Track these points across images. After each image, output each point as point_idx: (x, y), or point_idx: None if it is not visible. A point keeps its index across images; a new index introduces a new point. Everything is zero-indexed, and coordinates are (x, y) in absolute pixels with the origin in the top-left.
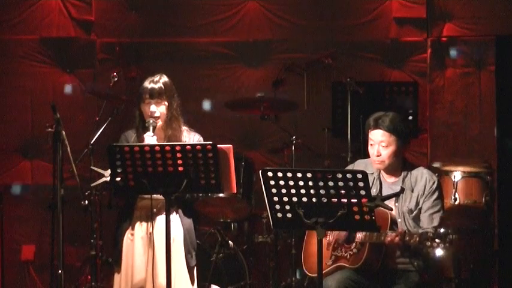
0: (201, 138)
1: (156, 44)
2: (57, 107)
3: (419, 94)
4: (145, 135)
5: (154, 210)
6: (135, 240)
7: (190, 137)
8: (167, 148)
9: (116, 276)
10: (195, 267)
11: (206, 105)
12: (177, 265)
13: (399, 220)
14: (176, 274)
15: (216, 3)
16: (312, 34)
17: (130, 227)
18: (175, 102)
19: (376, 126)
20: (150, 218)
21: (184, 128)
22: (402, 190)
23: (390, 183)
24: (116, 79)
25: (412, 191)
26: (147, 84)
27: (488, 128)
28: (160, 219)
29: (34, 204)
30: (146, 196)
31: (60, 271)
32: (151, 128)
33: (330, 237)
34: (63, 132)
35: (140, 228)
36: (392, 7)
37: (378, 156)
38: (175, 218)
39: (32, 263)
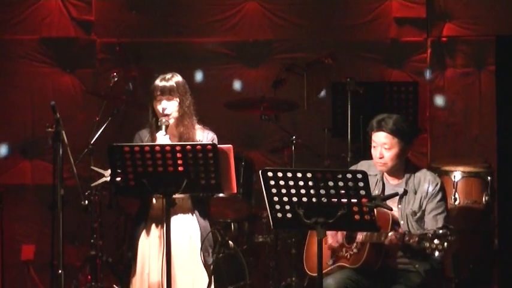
0: (215, 137)
1: (156, 44)
2: (57, 107)
3: (419, 94)
4: (157, 134)
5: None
6: (151, 241)
7: (204, 135)
8: (167, 148)
9: (133, 279)
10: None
11: (206, 105)
12: (194, 263)
13: (402, 222)
14: (194, 272)
15: (216, 3)
16: (312, 34)
17: (146, 228)
18: (187, 100)
19: (379, 128)
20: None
21: (198, 127)
22: (405, 192)
23: (393, 185)
24: (116, 79)
25: (416, 193)
26: (159, 82)
27: (488, 128)
28: (176, 218)
29: (34, 204)
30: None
31: (60, 271)
32: (163, 127)
33: (332, 242)
34: (63, 132)
35: (156, 228)
36: (392, 7)
37: (380, 158)
38: (191, 218)
39: (32, 263)
